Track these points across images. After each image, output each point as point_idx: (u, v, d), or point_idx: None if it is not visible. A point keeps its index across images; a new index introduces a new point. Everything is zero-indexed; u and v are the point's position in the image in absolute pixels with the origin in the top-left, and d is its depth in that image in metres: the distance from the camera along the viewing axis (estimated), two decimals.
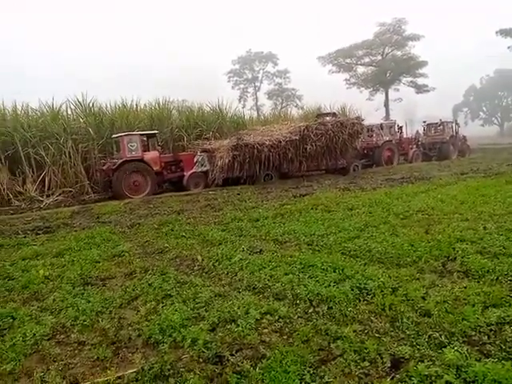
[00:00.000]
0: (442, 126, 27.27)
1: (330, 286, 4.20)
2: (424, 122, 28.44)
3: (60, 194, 15.60)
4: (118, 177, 15.19)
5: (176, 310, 3.83)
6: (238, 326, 3.47)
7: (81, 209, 11.93)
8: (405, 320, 3.38)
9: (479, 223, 6.52)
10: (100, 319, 3.89)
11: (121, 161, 15.30)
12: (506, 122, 74.13)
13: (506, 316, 3.30)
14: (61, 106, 17.36)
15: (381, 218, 7.39)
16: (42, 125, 16.58)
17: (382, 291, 4.00)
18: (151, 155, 16.32)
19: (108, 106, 18.72)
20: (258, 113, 41.32)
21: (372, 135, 23.89)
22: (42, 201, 14.96)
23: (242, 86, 54.69)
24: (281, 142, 17.14)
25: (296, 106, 46.97)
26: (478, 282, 4.16)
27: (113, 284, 4.98)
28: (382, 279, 4.27)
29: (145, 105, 19.81)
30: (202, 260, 5.57)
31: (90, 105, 18.01)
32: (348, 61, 44.80)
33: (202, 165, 17.34)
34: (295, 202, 10.29)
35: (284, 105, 52.34)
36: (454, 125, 28.11)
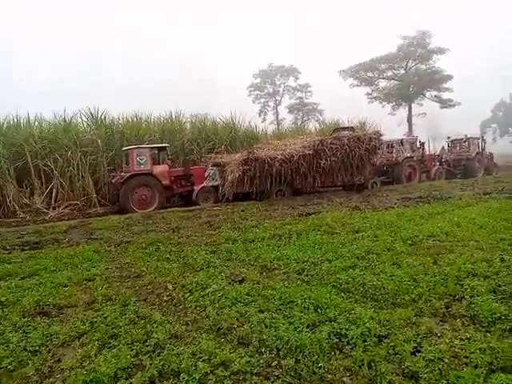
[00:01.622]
0: (467, 143, 26.04)
1: (304, 330, 3.53)
2: (448, 137, 27.29)
3: (66, 207, 15.39)
4: (125, 190, 14.88)
5: (115, 356, 3.24)
6: (179, 382, 2.85)
7: (79, 223, 11.58)
8: None
9: (496, 253, 5.70)
10: (30, 362, 3.34)
11: (128, 174, 15.01)
12: None
13: None
14: (72, 118, 17.31)
15: (386, 244, 6.63)
16: (53, 136, 16.52)
17: (365, 341, 3.31)
18: (160, 169, 15.97)
19: (120, 118, 18.60)
20: (278, 127, 40.91)
21: (392, 151, 22.98)
22: (47, 213, 14.77)
23: (262, 100, 54.51)
24: (293, 156, 16.50)
25: (317, 121, 46.35)
26: (486, 331, 3.42)
27: (69, 314, 4.44)
28: (368, 324, 3.57)
29: (157, 117, 19.61)
30: (174, 289, 4.98)
31: (102, 117, 17.90)
32: (370, 74, 43.95)
33: (212, 179, 16.87)
34: (299, 221, 9.60)
35: (305, 119, 51.78)
36: (480, 141, 26.81)
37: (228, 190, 15.87)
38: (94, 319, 4.11)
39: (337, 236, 7.60)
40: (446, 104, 42.97)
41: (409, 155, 22.67)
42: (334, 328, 3.53)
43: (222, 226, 9.56)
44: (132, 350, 3.38)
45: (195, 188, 16.36)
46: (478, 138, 27.24)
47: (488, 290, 4.27)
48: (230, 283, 5.10)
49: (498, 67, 73.11)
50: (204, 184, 16.52)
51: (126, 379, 2.93)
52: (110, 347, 3.49)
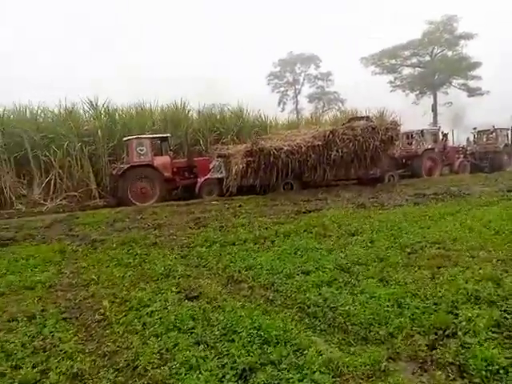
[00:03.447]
0: (494, 134, 24.35)
1: (232, 380, 2.70)
2: (474, 128, 25.59)
3: (64, 198, 14.95)
4: (123, 183, 14.29)
5: None
6: None
7: (66, 217, 11.01)
8: None
9: (510, 269, 4.70)
10: None
11: (127, 166, 14.43)
12: None
13: None
14: (73, 108, 16.79)
15: (380, 251, 5.70)
16: (52, 126, 16.06)
17: None
18: (162, 160, 15.31)
19: (123, 107, 18.00)
20: (297, 116, 39.72)
21: (412, 142, 21.66)
22: (44, 205, 14.36)
23: (282, 89, 53.12)
24: (301, 147, 15.51)
25: (338, 110, 44.74)
26: None
27: None
28: (317, 374, 2.71)
29: (162, 107, 18.90)
30: (110, 306, 4.21)
31: (104, 106, 17.33)
32: (392, 62, 41.90)
33: (217, 171, 16.09)
34: (293, 219, 8.73)
35: (325, 108, 50.19)
36: (509, 132, 25.00)
37: (232, 183, 15.09)
38: None
39: (327, 240, 6.69)
40: (473, 93, 40.52)
41: (430, 147, 21.25)
42: (271, 378, 2.69)
43: (210, 224, 8.78)
44: None
45: (199, 180, 15.64)
46: (507, 129, 25.41)
47: (489, 323, 3.32)
48: (179, 300, 4.31)
49: None
50: (208, 176, 15.77)
51: None
52: None
